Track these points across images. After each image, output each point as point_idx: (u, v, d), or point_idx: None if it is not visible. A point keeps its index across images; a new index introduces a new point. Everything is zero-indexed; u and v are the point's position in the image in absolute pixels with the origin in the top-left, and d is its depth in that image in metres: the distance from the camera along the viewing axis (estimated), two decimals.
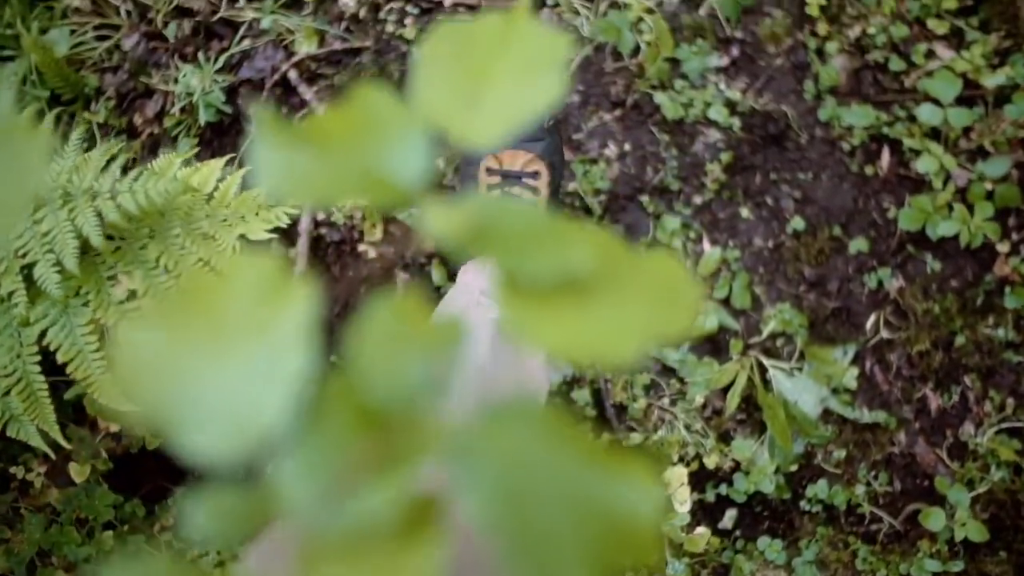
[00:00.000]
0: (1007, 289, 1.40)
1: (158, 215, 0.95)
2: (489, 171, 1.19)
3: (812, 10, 1.41)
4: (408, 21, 1.46)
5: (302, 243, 1.40)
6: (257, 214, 0.94)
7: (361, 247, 1.42)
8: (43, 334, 0.94)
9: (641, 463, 0.25)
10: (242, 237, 0.93)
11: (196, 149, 1.42)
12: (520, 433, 0.24)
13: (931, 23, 1.42)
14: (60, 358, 0.93)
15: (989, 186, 1.39)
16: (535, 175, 1.21)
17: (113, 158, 0.93)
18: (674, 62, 1.43)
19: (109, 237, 0.94)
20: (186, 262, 0.93)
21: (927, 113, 1.38)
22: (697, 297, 0.32)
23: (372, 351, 0.25)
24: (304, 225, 1.40)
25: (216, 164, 0.97)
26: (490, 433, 0.24)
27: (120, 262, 0.94)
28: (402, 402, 0.24)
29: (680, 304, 0.29)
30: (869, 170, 1.43)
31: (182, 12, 1.47)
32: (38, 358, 0.94)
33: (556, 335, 0.27)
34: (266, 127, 0.31)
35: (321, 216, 1.42)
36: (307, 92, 1.44)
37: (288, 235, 1.41)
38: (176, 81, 1.42)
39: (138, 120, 1.47)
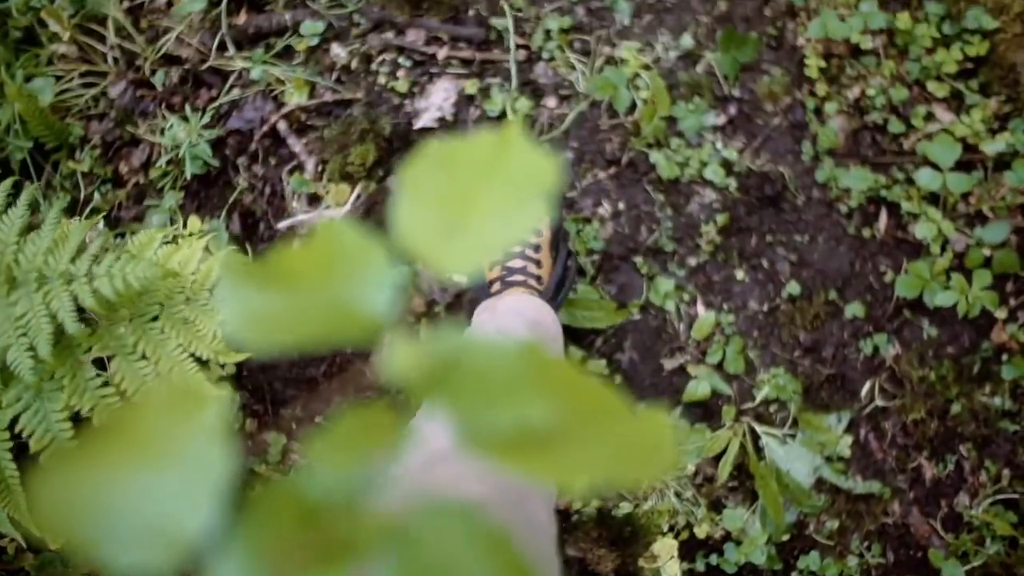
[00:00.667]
0: (1004, 357, 1.38)
1: (136, 297, 0.92)
2: None
3: (811, 71, 1.39)
4: (400, 73, 1.43)
5: None
6: None
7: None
8: (15, 419, 0.91)
9: None
10: (223, 323, 0.90)
11: (181, 203, 1.39)
12: (450, 535, 0.24)
13: (931, 85, 1.40)
14: (33, 445, 0.91)
15: (987, 252, 1.37)
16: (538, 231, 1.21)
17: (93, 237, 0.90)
18: (670, 120, 1.41)
19: (85, 321, 0.91)
20: (165, 348, 0.90)
21: (926, 178, 1.36)
22: (674, 457, 0.30)
23: (320, 450, 0.25)
24: None
25: (199, 243, 0.94)
26: (419, 532, 0.24)
27: (96, 346, 0.91)
28: (340, 500, 0.24)
29: (654, 460, 0.28)
30: (866, 233, 1.41)
31: (170, 60, 1.45)
32: (9, 444, 0.91)
33: (512, 458, 0.26)
34: (230, 272, 0.29)
35: None
36: (296, 144, 1.41)
37: None
38: (163, 132, 1.39)
39: (124, 169, 1.44)
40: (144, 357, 0.90)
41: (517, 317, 1.09)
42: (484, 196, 0.31)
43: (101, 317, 0.91)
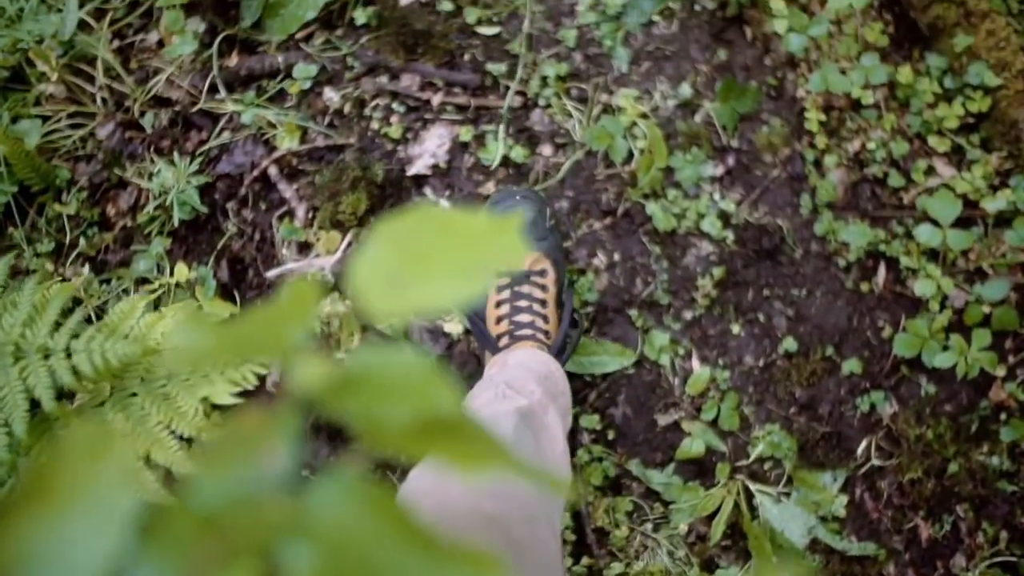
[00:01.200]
0: (1003, 416, 1.36)
1: (117, 372, 0.90)
2: None
3: (811, 124, 1.37)
4: (394, 119, 1.41)
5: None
6: (222, 373, 0.89)
7: (338, 355, 1.37)
8: None
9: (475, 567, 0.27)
10: (205, 400, 0.88)
11: (168, 249, 1.37)
12: (354, 514, 0.26)
13: (932, 140, 1.38)
14: None
15: (987, 309, 1.36)
16: (542, 273, 1.23)
17: (72, 307, 0.88)
18: (668, 170, 1.39)
19: (63, 395, 0.89)
20: (145, 425, 0.88)
21: (926, 234, 1.34)
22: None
23: (205, 460, 0.27)
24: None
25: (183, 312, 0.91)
26: (325, 513, 0.26)
27: (75, 422, 0.88)
28: (235, 501, 0.26)
29: None
30: (865, 287, 1.39)
31: (160, 102, 1.42)
32: None
33: (406, 446, 0.29)
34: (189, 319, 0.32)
35: None
36: (287, 189, 1.39)
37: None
38: (151, 177, 1.36)
39: (111, 211, 1.42)
40: (124, 434, 0.87)
41: (526, 371, 1.10)
42: (438, 261, 0.33)
43: (79, 392, 0.88)
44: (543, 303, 1.23)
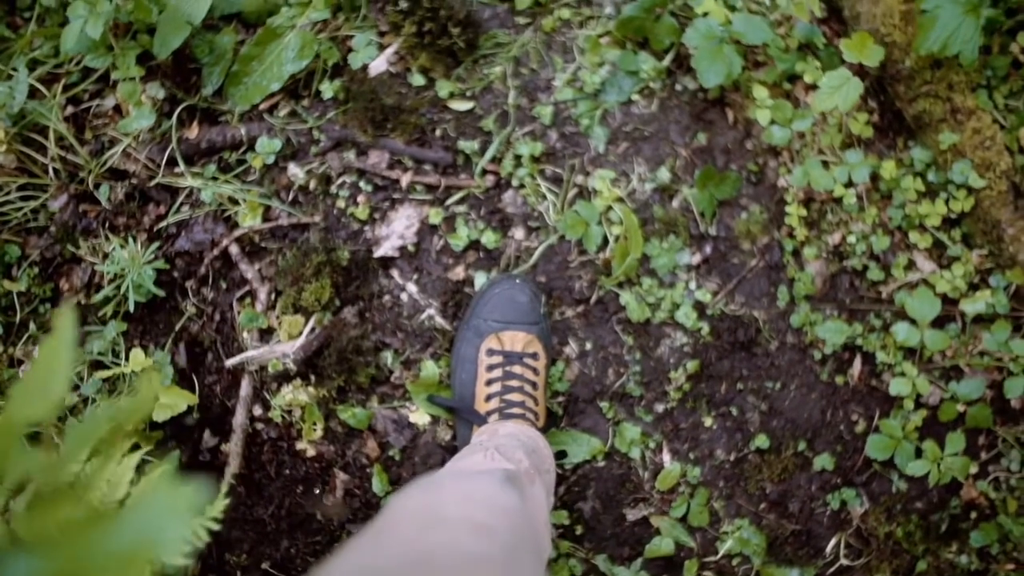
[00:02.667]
0: (973, 515, 1.35)
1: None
2: (490, 352, 1.25)
3: (792, 219, 1.34)
4: (361, 199, 1.35)
5: (236, 440, 1.30)
6: None
7: (300, 445, 1.33)
8: None
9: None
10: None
11: (124, 331, 1.32)
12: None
13: (913, 235, 1.35)
14: None
15: (962, 407, 1.34)
16: (535, 356, 1.25)
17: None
18: (644, 257, 1.35)
19: None
20: None
21: (903, 333, 1.31)
22: None
23: None
24: (239, 420, 1.31)
25: (131, 460, 0.87)
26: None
27: None
28: None
29: None
30: (839, 379, 1.37)
31: (116, 174, 1.36)
32: None
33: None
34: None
35: (259, 411, 1.33)
36: (249, 270, 1.34)
37: (223, 430, 1.32)
38: (105, 257, 1.31)
39: (64, 286, 1.36)
40: None
41: (516, 441, 1.12)
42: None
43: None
44: (534, 385, 1.25)
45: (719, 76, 1.27)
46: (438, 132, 1.38)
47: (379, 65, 1.39)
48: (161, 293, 1.31)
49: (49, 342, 0.42)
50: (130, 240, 1.30)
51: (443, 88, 1.38)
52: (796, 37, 1.33)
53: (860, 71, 1.27)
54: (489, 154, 1.36)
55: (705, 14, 1.30)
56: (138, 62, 1.34)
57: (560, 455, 1.32)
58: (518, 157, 1.37)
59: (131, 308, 1.29)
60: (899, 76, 1.31)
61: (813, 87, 1.33)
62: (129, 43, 1.30)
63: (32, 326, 1.32)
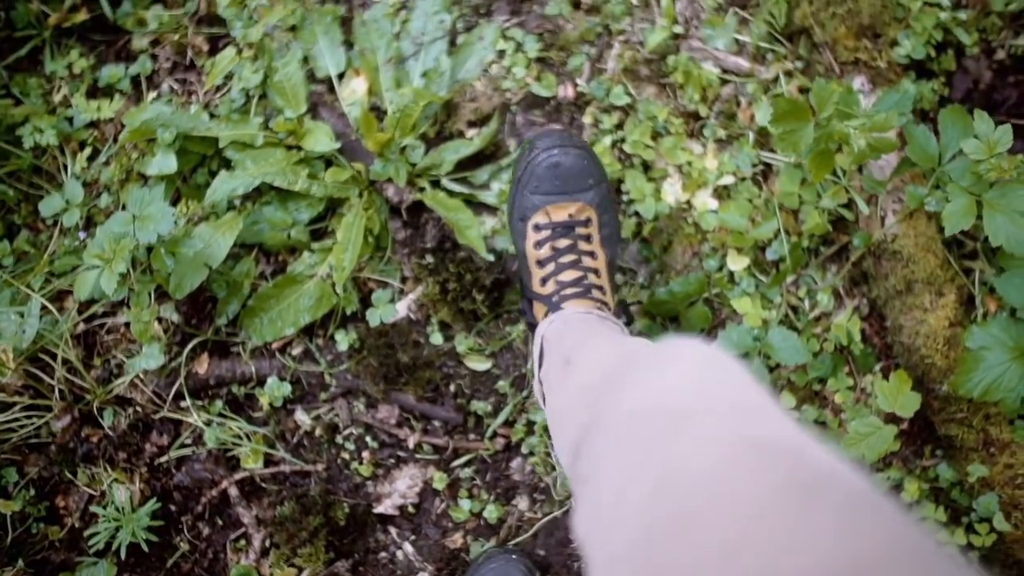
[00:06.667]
0: None
1: None
2: (537, 227, 1.14)
3: None
4: (366, 455, 1.32)
5: None
6: None
7: None
8: None
9: None
10: None
11: (116, 572, 1.30)
12: None
13: None
14: None
15: None
16: (586, 222, 1.13)
17: None
18: None
19: None
20: None
21: None
22: None
23: None
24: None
25: None
26: None
27: None
28: None
29: None
30: None
31: (121, 401, 1.34)
32: None
33: None
34: None
35: None
36: (246, 515, 1.32)
37: None
38: (103, 496, 1.29)
39: (60, 504, 1.34)
40: None
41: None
42: None
43: None
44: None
45: None
46: (452, 388, 1.34)
47: (399, 310, 1.35)
48: (155, 538, 1.29)
49: None
50: (127, 481, 1.28)
51: (462, 343, 1.34)
52: (832, 341, 1.28)
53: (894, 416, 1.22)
54: (501, 418, 1.33)
55: (736, 313, 1.25)
56: (154, 293, 1.31)
57: None
58: (531, 424, 1.33)
59: (123, 552, 1.27)
60: (934, 394, 1.26)
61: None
62: (144, 277, 1.27)
63: (20, 562, 1.30)
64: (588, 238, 1.13)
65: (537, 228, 1.13)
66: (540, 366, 1.09)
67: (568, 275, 1.12)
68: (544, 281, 1.13)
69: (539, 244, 1.13)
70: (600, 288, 1.12)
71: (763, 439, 0.50)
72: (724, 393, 0.59)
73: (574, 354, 0.95)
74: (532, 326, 1.17)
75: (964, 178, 1.15)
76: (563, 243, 1.12)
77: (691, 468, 0.49)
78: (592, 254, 1.13)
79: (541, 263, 1.14)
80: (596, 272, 1.13)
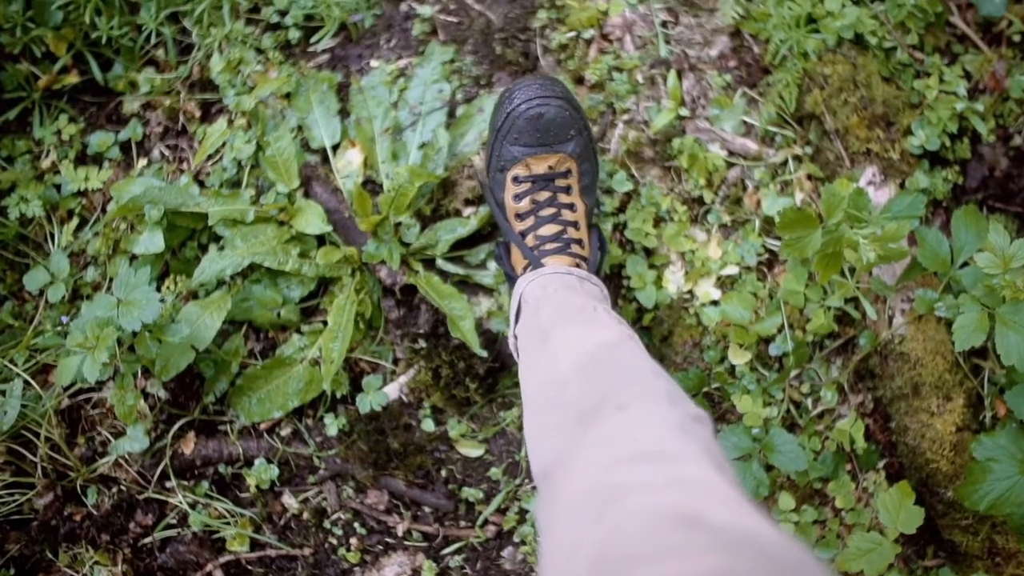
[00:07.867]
0: None
1: None
2: (516, 179, 1.12)
3: None
4: (353, 541, 1.29)
5: None
6: None
7: None
8: None
9: None
10: None
11: None
12: None
13: None
14: None
15: None
16: (566, 174, 1.12)
17: None
18: None
19: None
20: None
21: None
22: None
23: None
24: None
25: None
26: None
27: None
28: None
29: None
30: None
31: (105, 480, 1.31)
32: None
33: None
34: None
35: None
36: None
37: None
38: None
39: None
40: None
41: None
42: None
43: None
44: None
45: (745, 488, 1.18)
46: (443, 473, 1.31)
47: (391, 393, 1.31)
48: None
49: None
50: (110, 563, 1.26)
51: (454, 428, 1.31)
52: (834, 439, 1.24)
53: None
54: (493, 506, 1.30)
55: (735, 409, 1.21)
56: (140, 371, 1.28)
57: None
58: (523, 512, 1.30)
59: None
60: (939, 497, 1.22)
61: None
62: (130, 357, 1.23)
63: None
64: (568, 189, 1.12)
65: (517, 180, 1.12)
66: (516, 321, 1.08)
67: (548, 229, 1.11)
68: (524, 235, 1.12)
69: (518, 197, 1.12)
70: (579, 242, 1.12)
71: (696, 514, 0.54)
72: (677, 469, 0.64)
73: (551, 331, 0.94)
74: (510, 278, 1.17)
75: (976, 287, 1.11)
76: (543, 195, 1.12)
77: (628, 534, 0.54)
78: (571, 206, 1.12)
79: (521, 216, 1.13)
80: (575, 225, 1.12)
